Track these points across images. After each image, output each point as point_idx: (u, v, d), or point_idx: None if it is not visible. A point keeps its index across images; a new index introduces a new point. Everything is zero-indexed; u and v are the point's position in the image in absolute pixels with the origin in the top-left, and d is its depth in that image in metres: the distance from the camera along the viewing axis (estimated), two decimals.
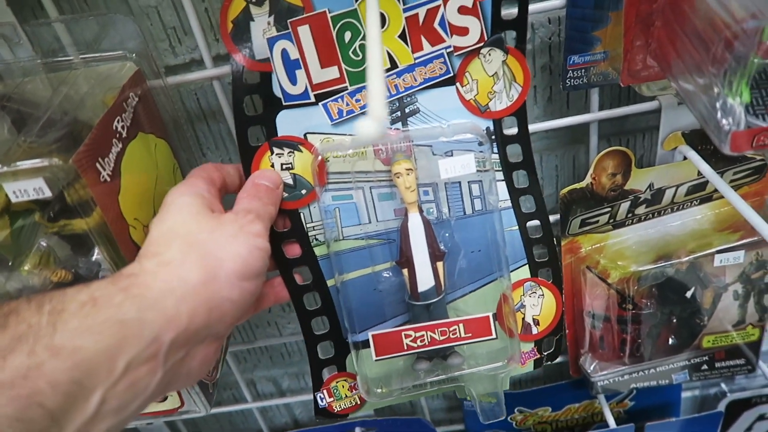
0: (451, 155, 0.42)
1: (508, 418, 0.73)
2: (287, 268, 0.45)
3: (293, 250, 0.45)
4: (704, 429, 0.66)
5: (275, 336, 0.73)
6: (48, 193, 0.34)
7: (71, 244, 0.44)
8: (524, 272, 0.47)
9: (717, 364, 0.62)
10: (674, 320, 0.58)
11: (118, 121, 0.39)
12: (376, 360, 0.45)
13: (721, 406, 0.74)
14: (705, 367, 0.62)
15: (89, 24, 0.43)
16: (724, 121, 0.32)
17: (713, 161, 0.48)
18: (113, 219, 0.37)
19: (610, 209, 0.53)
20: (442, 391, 0.49)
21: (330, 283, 0.46)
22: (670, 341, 0.60)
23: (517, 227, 0.46)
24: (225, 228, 0.36)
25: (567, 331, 0.62)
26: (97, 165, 0.36)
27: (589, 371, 0.62)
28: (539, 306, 0.48)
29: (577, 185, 0.51)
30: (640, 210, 0.53)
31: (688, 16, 0.34)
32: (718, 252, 0.53)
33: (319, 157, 0.42)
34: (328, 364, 0.49)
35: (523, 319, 0.49)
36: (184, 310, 0.32)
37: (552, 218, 0.53)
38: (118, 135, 0.39)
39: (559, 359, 0.51)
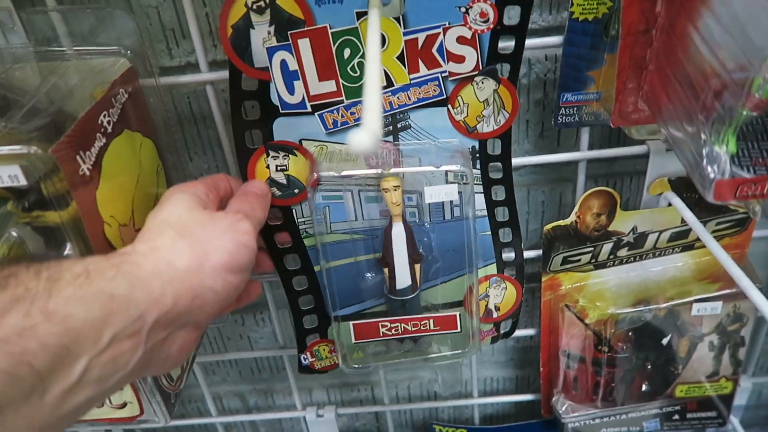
0: (438, 166, 0.44)
1: None
2: (279, 255, 0.49)
3: (284, 238, 0.49)
4: None
5: (246, 349, 0.71)
6: (23, 182, 0.33)
7: (44, 237, 0.43)
8: (492, 269, 0.52)
9: (688, 415, 0.61)
10: (649, 366, 0.58)
11: (104, 116, 0.38)
12: (354, 343, 0.52)
13: None
14: (677, 416, 0.61)
15: (87, 16, 0.43)
16: (709, 169, 0.32)
17: (697, 210, 0.48)
18: (88, 214, 0.37)
19: (592, 249, 0.53)
20: (409, 361, 0.54)
21: (317, 269, 0.50)
22: (644, 387, 0.59)
23: (490, 233, 0.50)
24: (216, 223, 0.38)
25: (542, 369, 0.61)
26: (78, 158, 0.35)
27: (560, 412, 0.61)
28: (501, 296, 0.54)
29: (561, 222, 0.51)
30: (623, 252, 0.53)
31: (681, 63, 0.34)
32: (697, 301, 0.53)
33: (315, 175, 0.44)
34: (312, 333, 0.54)
35: (486, 305, 0.54)
36: (170, 293, 0.33)
37: (534, 254, 0.54)
38: (102, 129, 0.38)
39: (514, 334, 0.57)
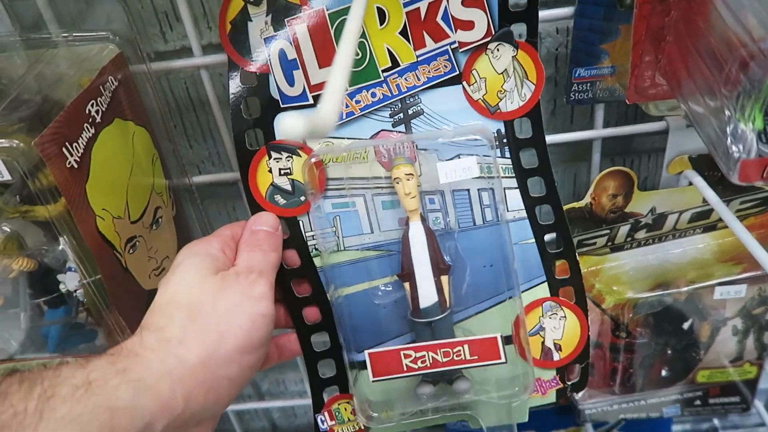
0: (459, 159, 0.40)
1: None
2: (284, 279, 0.42)
3: (292, 259, 0.42)
4: None
5: None
6: (7, 177, 0.32)
7: (43, 230, 0.42)
8: (543, 290, 0.42)
9: (711, 400, 0.59)
10: (669, 351, 0.56)
11: (92, 105, 0.37)
12: (373, 381, 0.42)
13: None
14: (698, 402, 0.59)
15: (74, 1, 0.41)
16: (734, 148, 0.30)
17: (720, 189, 0.46)
18: (78, 208, 0.35)
19: (608, 231, 0.51)
20: (448, 420, 0.45)
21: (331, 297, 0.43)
22: (663, 373, 0.57)
23: (533, 240, 0.41)
24: (228, 295, 0.35)
25: None
26: (64, 150, 0.34)
27: (577, 398, 0.59)
28: (561, 329, 0.43)
29: (575, 204, 0.49)
30: (640, 234, 0.51)
31: (702, 32, 0.31)
32: (719, 284, 0.51)
33: (312, 160, 0.40)
34: (330, 384, 0.45)
35: (543, 343, 0.44)
36: (180, 394, 0.31)
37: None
38: (91, 119, 0.37)
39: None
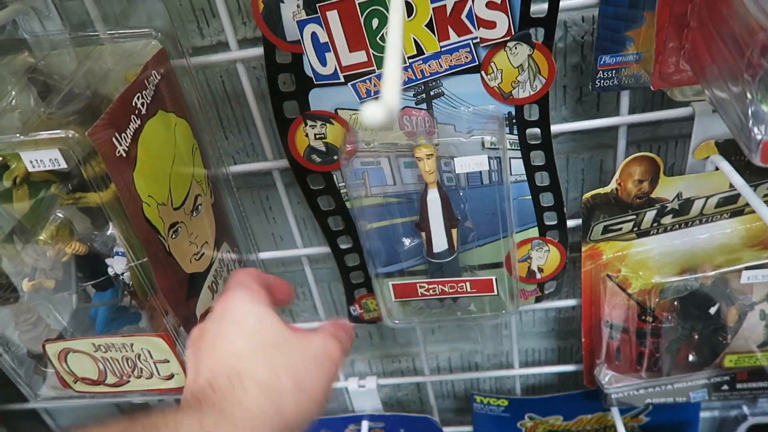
0: (471, 131, 0.45)
1: (518, 424, 0.72)
2: (323, 217, 0.52)
3: (326, 201, 0.51)
4: None
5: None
6: (63, 165, 0.35)
7: (90, 217, 0.45)
8: (533, 232, 0.52)
9: (738, 385, 0.59)
10: (696, 336, 0.56)
11: (138, 98, 0.39)
12: (394, 301, 0.54)
13: (741, 429, 0.71)
14: (725, 387, 0.59)
15: (118, 0, 0.43)
16: (755, 130, 0.30)
17: (747, 173, 0.46)
18: (126, 195, 0.38)
19: (634, 217, 0.51)
20: (451, 319, 0.56)
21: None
22: (690, 358, 0.58)
23: (530, 197, 0.50)
24: (312, 350, 0.36)
25: (584, 339, 0.60)
26: (114, 140, 0.36)
27: (603, 382, 0.60)
28: (544, 258, 0.54)
29: (601, 190, 0.50)
30: (667, 220, 0.52)
31: (725, 18, 0.32)
32: (746, 268, 0.51)
33: (348, 147, 0.45)
34: (359, 287, 0.57)
35: (529, 267, 0.54)
36: None
37: (573, 223, 0.52)
38: (137, 111, 0.39)
39: (556, 304, 0.60)
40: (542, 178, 0.49)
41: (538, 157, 0.47)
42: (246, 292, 0.37)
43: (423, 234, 0.50)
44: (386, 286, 0.53)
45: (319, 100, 0.44)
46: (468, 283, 0.52)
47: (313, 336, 0.37)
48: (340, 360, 0.37)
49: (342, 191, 0.50)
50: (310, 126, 0.46)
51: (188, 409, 0.31)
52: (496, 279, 0.52)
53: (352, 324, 0.46)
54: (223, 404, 0.31)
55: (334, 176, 0.49)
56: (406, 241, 0.52)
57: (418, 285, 0.52)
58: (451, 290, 0.52)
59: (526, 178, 0.48)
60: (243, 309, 0.36)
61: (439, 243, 0.50)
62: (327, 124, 0.46)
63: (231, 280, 0.39)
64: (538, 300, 0.57)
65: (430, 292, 0.52)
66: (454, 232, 0.49)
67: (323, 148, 0.47)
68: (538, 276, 0.55)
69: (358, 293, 0.58)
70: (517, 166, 0.48)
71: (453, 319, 0.56)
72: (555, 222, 0.51)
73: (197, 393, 0.32)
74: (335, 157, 0.47)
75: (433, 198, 0.47)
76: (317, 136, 0.46)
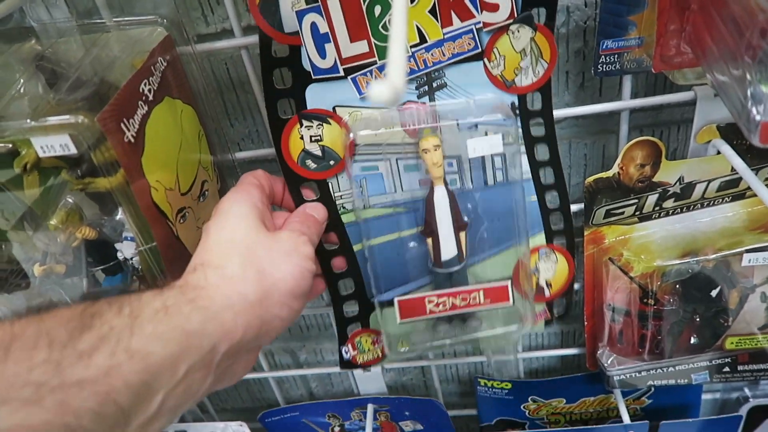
0: (476, 129, 0.43)
1: (522, 407, 0.72)
2: None
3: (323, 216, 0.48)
4: None
5: None
6: (73, 150, 0.35)
7: (98, 203, 0.46)
8: (540, 239, 0.49)
9: (740, 367, 0.60)
10: (697, 319, 0.56)
11: (145, 84, 0.40)
12: (400, 323, 0.49)
13: (743, 411, 0.72)
14: (727, 369, 0.60)
15: None
16: (754, 110, 0.31)
17: (748, 157, 0.46)
18: (135, 180, 0.38)
19: (636, 201, 0.52)
20: (457, 345, 0.53)
21: (356, 248, 0.49)
22: (692, 340, 0.58)
23: (535, 198, 0.48)
24: (281, 246, 0.40)
25: (586, 323, 0.61)
26: (122, 125, 0.37)
27: (606, 365, 0.61)
28: (552, 270, 0.51)
29: (603, 174, 0.50)
30: (668, 203, 0.52)
31: (725, 0, 0.32)
32: (747, 251, 0.51)
33: (351, 135, 0.43)
34: (353, 321, 0.52)
35: (537, 282, 0.52)
36: (240, 324, 0.35)
37: (576, 207, 0.53)
38: (144, 97, 0.39)
39: (565, 321, 0.56)
40: (548, 175, 0.47)
41: (542, 151, 0.46)
42: (239, 194, 0.42)
43: (429, 241, 0.47)
44: (390, 314, 0.48)
45: (316, 97, 0.43)
46: (481, 292, 0.48)
47: (281, 234, 0.41)
48: (309, 251, 0.41)
49: (338, 202, 0.47)
50: (305, 127, 0.44)
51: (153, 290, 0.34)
52: (511, 284, 0.48)
53: (322, 208, 0.46)
54: (184, 287, 0.35)
55: (330, 184, 0.46)
56: (411, 250, 0.48)
57: (426, 299, 0.48)
58: (463, 303, 0.48)
59: (530, 176, 0.47)
60: (227, 209, 0.40)
61: (448, 248, 0.46)
62: (324, 124, 0.44)
63: (239, 180, 0.44)
64: (548, 324, 0.54)
65: (440, 307, 0.48)
66: (462, 235, 0.47)
67: (319, 152, 0.45)
68: (547, 293, 0.51)
69: (351, 329, 0.53)
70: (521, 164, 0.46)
71: (462, 341, 0.51)
72: (562, 226, 0.49)
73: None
74: (331, 162, 0.45)
75: (441, 196, 0.45)
76: (313, 138, 0.44)
